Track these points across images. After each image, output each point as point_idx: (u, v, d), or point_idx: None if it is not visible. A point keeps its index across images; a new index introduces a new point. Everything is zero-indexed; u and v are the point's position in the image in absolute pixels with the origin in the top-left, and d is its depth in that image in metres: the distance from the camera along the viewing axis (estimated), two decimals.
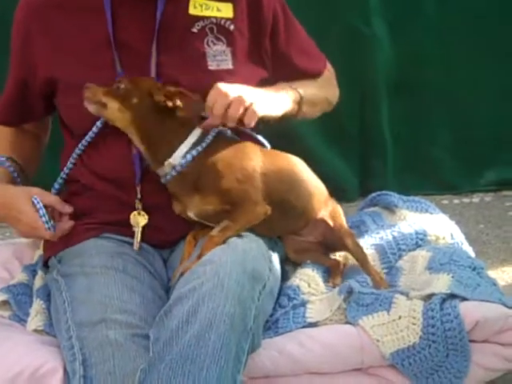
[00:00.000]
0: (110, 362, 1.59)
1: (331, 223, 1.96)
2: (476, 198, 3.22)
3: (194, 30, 1.87)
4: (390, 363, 1.76)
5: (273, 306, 1.83)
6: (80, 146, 1.89)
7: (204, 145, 1.79)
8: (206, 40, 1.88)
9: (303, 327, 1.80)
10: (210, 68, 1.87)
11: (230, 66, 1.88)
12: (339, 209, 2.01)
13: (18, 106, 1.96)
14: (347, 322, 1.81)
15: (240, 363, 1.55)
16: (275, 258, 1.85)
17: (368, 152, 3.46)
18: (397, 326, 1.76)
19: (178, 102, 1.75)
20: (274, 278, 1.79)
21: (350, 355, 1.77)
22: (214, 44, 1.88)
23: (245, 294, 1.60)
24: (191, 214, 1.82)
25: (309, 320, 1.81)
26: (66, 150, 1.97)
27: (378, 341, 1.75)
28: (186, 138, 1.78)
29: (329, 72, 2.13)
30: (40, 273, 1.99)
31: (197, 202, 1.79)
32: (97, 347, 1.62)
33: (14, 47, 1.93)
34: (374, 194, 2.34)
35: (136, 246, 1.85)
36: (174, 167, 1.78)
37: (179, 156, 1.78)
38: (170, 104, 1.75)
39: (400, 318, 1.76)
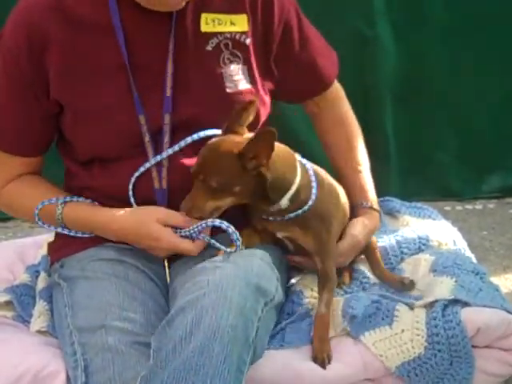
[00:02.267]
0: (110, 368, 1.59)
1: None
2: (479, 205, 3.23)
3: (209, 48, 1.81)
4: (396, 375, 1.76)
5: (277, 317, 1.83)
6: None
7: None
8: (221, 58, 1.81)
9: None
10: (228, 91, 1.81)
11: (248, 86, 1.84)
12: None
13: (29, 132, 1.85)
14: (349, 335, 1.80)
15: (242, 375, 1.55)
16: (283, 275, 1.86)
17: (371, 157, 3.46)
18: (400, 339, 1.75)
19: (265, 161, 1.68)
20: (279, 296, 1.80)
21: (353, 373, 1.76)
22: (231, 61, 1.82)
23: (248, 306, 1.60)
24: (279, 235, 1.82)
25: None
26: (68, 177, 1.92)
27: (381, 356, 1.75)
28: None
29: (340, 94, 2.08)
30: (43, 274, 1.99)
31: (296, 233, 1.80)
32: (97, 353, 1.62)
33: (11, 67, 1.78)
34: None
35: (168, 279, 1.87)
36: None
37: (285, 201, 1.76)
38: (264, 170, 1.68)
39: (403, 331, 1.76)
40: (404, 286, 1.90)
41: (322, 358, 1.73)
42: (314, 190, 1.79)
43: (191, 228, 1.76)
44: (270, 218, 1.79)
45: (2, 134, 1.85)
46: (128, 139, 1.80)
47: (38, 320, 1.86)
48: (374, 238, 2.01)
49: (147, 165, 1.79)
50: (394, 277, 1.93)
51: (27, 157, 1.88)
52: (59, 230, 1.86)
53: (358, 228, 1.91)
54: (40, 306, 1.89)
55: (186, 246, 1.78)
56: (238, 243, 1.75)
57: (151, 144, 1.80)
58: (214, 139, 1.73)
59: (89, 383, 1.59)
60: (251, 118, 1.75)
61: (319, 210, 1.80)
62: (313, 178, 1.80)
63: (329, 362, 1.74)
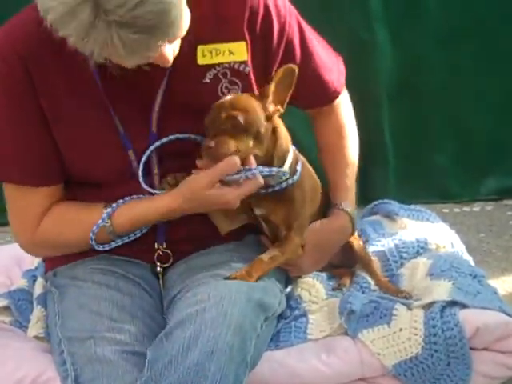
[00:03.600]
0: (99, 379, 1.58)
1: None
2: (477, 207, 3.22)
3: (207, 80, 1.74)
4: (392, 374, 1.76)
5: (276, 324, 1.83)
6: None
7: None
8: (220, 87, 1.75)
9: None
10: None
11: None
12: None
13: (47, 159, 1.75)
14: (346, 333, 1.80)
15: None
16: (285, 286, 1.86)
17: (369, 160, 3.46)
18: (398, 337, 1.75)
19: (283, 103, 1.72)
20: (281, 308, 1.80)
21: (350, 371, 1.77)
22: (229, 90, 1.76)
23: (247, 323, 1.59)
24: (257, 212, 1.81)
25: (309, 337, 1.81)
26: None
27: (378, 354, 1.75)
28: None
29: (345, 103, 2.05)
30: (40, 279, 1.98)
31: (271, 209, 1.79)
32: (87, 363, 1.61)
33: (15, 95, 1.71)
34: (374, 203, 2.34)
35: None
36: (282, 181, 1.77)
37: (286, 166, 1.77)
38: (282, 110, 1.71)
39: (401, 330, 1.76)
40: (402, 297, 1.89)
41: (233, 277, 1.70)
42: (298, 167, 1.80)
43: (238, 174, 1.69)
44: (261, 191, 1.76)
45: (22, 168, 1.75)
46: (116, 171, 1.77)
47: (36, 325, 1.85)
48: (366, 252, 2.01)
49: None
50: (393, 288, 1.93)
51: (53, 185, 1.78)
52: (114, 244, 1.80)
53: (316, 226, 1.88)
54: (37, 311, 1.88)
55: (250, 186, 1.71)
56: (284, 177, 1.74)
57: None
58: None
59: None
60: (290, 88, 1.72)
61: (300, 188, 1.80)
62: (299, 156, 1.83)
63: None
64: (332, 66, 1.93)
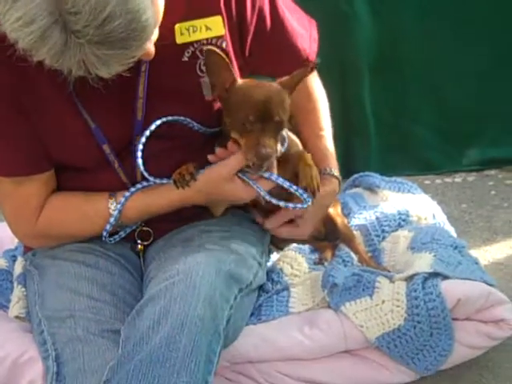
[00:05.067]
0: (80, 358, 1.58)
1: (332, 213, 1.97)
2: (458, 178, 3.22)
3: (185, 58, 1.73)
4: (376, 346, 1.76)
5: (257, 297, 1.83)
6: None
7: None
8: (197, 65, 1.74)
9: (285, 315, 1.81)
10: (207, 99, 1.75)
11: None
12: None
13: (35, 148, 1.73)
14: (329, 307, 1.81)
15: (211, 365, 1.53)
16: (265, 259, 1.85)
17: (350, 133, 3.45)
18: (380, 310, 1.76)
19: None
20: (259, 280, 1.80)
21: (333, 344, 1.77)
22: None
23: (217, 295, 1.58)
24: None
25: (291, 310, 1.81)
26: None
27: (361, 326, 1.75)
28: None
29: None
30: (20, 258, 1.97)
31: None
32: (67, 343, 1.61)
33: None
34: (356, 176, 2.35)
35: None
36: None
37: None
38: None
39: (383, 302, 1.76)
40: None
41: (312, 187, 1.75)
42: (284, 134, 1.80)
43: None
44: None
45: (15, 161, 1.73)
46: (93, 161, 1.76)
47: (17, 305, 1.85)
48: (349, 229, 2.01)
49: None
50: (375, 266, 1.93)
51: (45, 171, 1.76)
52: (124, 234, 1.81)
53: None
54: (18, 291, 1.88)
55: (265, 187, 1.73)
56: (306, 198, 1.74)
57: (118, 161, 1.75)
58: (247, 85, 1.72)
59: (60, 373, 1.58)
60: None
61: (292, 151, 1.81)
62: None
63: (318, 190, 1.76)
64: (305, 33, 1.92)
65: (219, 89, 1.72)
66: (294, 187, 1.74)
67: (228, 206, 1.87)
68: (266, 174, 1.72)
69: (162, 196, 1.75)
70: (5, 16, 1.41)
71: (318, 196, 1.78)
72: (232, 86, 1.71)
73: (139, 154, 1.72)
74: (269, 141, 1.66)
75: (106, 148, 1.73)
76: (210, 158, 1.73)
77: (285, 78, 1.74)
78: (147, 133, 1.71)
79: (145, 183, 1.76)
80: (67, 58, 1.43)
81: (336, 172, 1.91)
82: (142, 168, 1.72)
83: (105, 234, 1.77)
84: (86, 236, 1.81)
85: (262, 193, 1.74)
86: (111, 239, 1.80)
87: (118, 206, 1.74)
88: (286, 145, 1.79)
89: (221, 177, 1.71)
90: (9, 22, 1.41)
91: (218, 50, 1.68)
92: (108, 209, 1.75)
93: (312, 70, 1.75)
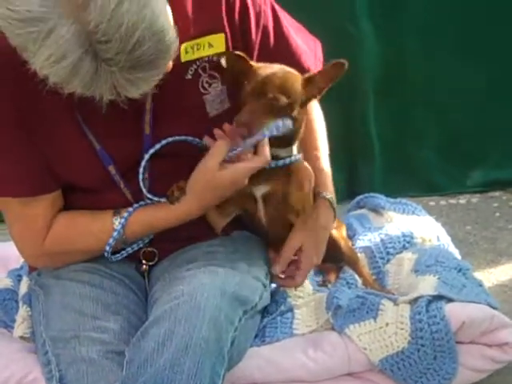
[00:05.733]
0: (83, 379, 1.57)
1: (336, 235, 1.97)
2: (463, 200, 3.23)
3: (189, 76, 1.75)
4: (379, 369, 1.76)
5: (261, 319, 1.83)
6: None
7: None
8: (200, 82, 1.76)
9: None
10: (211, 115, 1.78)
11: (228, 104, 1.80)
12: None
13: (42, 169, 1.73)
14: (333, 329, 1.80)
15: None
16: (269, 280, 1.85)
17: (355, 154, 3.46)
18: (384, 332, 1.75)
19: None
20: (264, 302, 1.80)
21: (337, 366, 1.77)
22: (210, 85, 1.77)
23: (222, 317, 1.59)
24: (259, 192, 1.80)
25: (295, 332, 1.81)
26: None
27: (365, 349, 1.75)
28: None
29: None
30: (25, 278, 1.97)
31: (280, 183, 1.79)
32: (71, 364, 1.61)
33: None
34: (361, 197, 2.35)
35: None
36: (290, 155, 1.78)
37: (295, 148, 1.79)
38: (318, 97, 1.76)
39: (387, 324, 1.76)
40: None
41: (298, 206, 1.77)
42: (295, 151, 1.80)
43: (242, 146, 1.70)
44: (271, 165, 1.75)
45: (22, 182, 1.73)
46: (99, 182, 1.76)
47: (22, 326, 1.85)
48: (353, 252, 2.00)
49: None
50: (380, 289, 1.93)
51: (52, 192, 1.76)
52: (125, 253, 1.81)
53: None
54: (23, 311, 1.88)
55: (257, 162, 1.71)
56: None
57: (124, 181, 1.76)
58: (271, 69, 1.72)
59: None
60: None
61: (302, 167, 1.81)
62: None
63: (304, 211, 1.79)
64: (309, 52, 1.93)
65: (241, 81, 1.73)
66: (280, 122, 1.70)
67: (230, 221, 1.86)
68: (251, 140, 1.69)
69: (165, 209, 1.75)
70: (35, 55, 1.42)
71: (311, 222, 1.81)
72: (249, 70, 1.73)
73: (141, 170, 1.72)
74: (253, 111, 1.66)
75: (111, 169, 1.74)
76: (206, 138, 1.73)
77: (310, 74, 1.75)
78: (151, 151, 1.72)
79: (148, 201, 1.77)
80: (99, 86, 1.45)
81: (329, 194, 1.90)
82: (141, 184, 1.73)
83: (108, 248, 1.76)
84: (92, 253, 1.81)
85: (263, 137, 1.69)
86: (114, 257, 1.80)
87: (122, 220, 1.74)
88: (298, 156, 1.79)
89: (209, 168, 1.69)
90: (40, 60, 1.41)
91: (234, 52, 1.73)
92: (112, 224, 1.75)
93: (340, 71, 1.72)
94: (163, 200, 1.74)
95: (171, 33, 1.48)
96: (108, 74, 1.43)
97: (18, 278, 2.03)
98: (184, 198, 1.72)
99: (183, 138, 1.75)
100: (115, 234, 1.75)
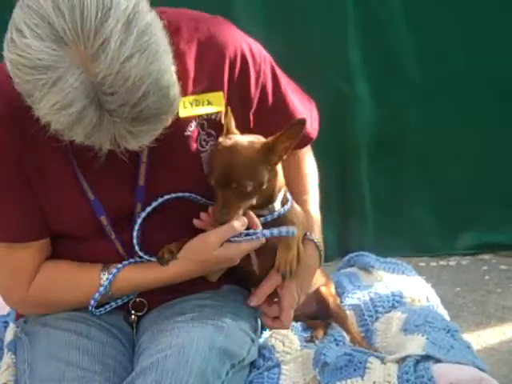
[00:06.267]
0: None
1: (325, 292, 1.98)
2: (453, 261, 3.24)
3: (188, 132, 1.76)
4: None
5: (248, 373, 1.81)
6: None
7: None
8: (199, 140, 1.77)
9: None
10: (206, 172, 1.77)
11: None
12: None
13: (36, 215, 1.74)
14: None
15: None
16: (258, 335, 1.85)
17: (346, 212, 3.48)
18: None
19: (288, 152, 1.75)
20: (252, 356, 1.79)
21: None
22: (207, 143, 1.78)
23: (209, 370, 1.58)
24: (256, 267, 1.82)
25: None
26: None
27: None
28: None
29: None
30: (12, 325, 1.96)
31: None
32: None
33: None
34: (351, 255, 2.35)
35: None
36: (273, 211, 1.79)
37: (278, 202, 1.79)
38: (284, 157, 1.74)
39: (374, 383, 1.75)
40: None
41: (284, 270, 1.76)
42: (289, 197, 1.82)
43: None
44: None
45: (12, 227, 1.73)
46: (90, 232, 1.77)
47: (6, 373, 1.83)
48: (342, 309, 2.00)
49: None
50: (368, 347, 1.92)
51: (41, 239, 1.76)
52: (109, 307, 1.80)
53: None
54: (7, 358, 1.86)
55: (252, 244, 1.74)
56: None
57: (114, 231, 1.76)
58: (223, 144, 1.72)
59: None
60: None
61: (292, 217, 1.81)
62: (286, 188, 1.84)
63: (291, 274, 1.76)
64: (305, 111, 1.95)
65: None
66: (284, 230, 1.75)
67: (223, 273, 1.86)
68: (252, 237, 1.73)
69: (154, 270, 1.76)
70: (41, 101, 1.43)
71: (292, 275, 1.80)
72: (216, 144, 1.74)
73: (136, 227, 1.73)
74: (224, 209, 1.68)
75: (103, 220, 1.74)
76: (196, 222, 1.74)
77: (271, 138, 1.73)
78: (149, 209, 1.73)
79: (138, 259, 1.77)
80: (100, 136, 1.46)
81: (316, 238, 1.91)
82: (135, 241, 1.74)
83: (92, 302, 1.76)
84: (77, 305, 1.80)
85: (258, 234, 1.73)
86: (97, 311, 1.79)
87: (110, 276, 1.74)
88: (286, 207, 1.80)
89: (211, 246, 1.71)
90: (45, 106, 1.43)
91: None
92: (100, 279, 1.75)
93: (301, 128, 1.70)
94: (154, 259, 1.75)
95: (176, 89, 1.50)
96: (111, 124, 1.44)
97: (5, 325, 2.01)
98: (175, 261, 1.73)
99: (187, 194, 1.76)
100: (102, 289, 1.75)
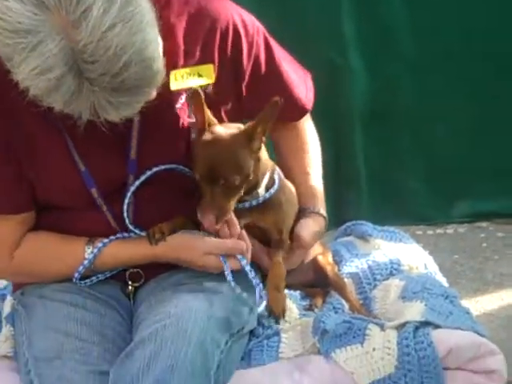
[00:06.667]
0: None
1: (322, 261, 1.97)
2: (450, 229, 3.25)
3: (178, 105, 1.75)
4: None
5: (248, 341, 1.82)
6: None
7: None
8: (188, 111, 1.77)
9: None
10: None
11: None
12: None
13: (21, 189, 1.73)
14: (319, 353, 1.79)
15: None
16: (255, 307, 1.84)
17: (342, 183, 3.48)
18: (371, 357, 1.74)
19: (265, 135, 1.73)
20: (251, 325, 1.79)
21: None
22: None
23: (208, 340, 1.59)
24: (242, 221, 1.80)
25: (281, 355, 1.80)
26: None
27: (352, 373, 1.74)
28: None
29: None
30: (9, 297, 1.96)
31: (257, 217, 1.80)
32: (54, 383, 1.60)
33: None
34: (348, 224, 2.34)
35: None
36: (258, 197, 1.78)
37: (263, 187, 1.78)
38: (264, 140, 1.73)
39: (374, 349, 1.75)
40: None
41: (277, 312, 1.74)
42: (276, 178, 1.81)
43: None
44: (239, 206, 1.76)
45: None
46: (81, 203, 1.76)
47: (4, 345, 1.83)
48: (340, 277, 2.00)
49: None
50: (367, 314, 1.92)
51: (24, 212, 1.76)
52: (96, 279, 1.80)
53: (305, 230, 1.87)
54: (6, 330, 1.86)
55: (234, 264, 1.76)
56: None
57: (106, 203, 1.76)
58: (205, 139, 1.70)
59: None
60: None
61: (279, 198, 1.81)
62: (276, 169, 1.84)
63: (283, 316, 1.76)
64: (300, 82, 1.94)
65: (196, 131, 1.74)
66: (254, 280, 1.76)
67: None
68: (239, 256, 1.75)
69: (137, 248, 1.76)
70: (20, 65, 1.42)
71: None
72: (199, 135, 1.72)
73: (126, 200, 1.73)
74: (214, 203, 1.67)
75: (94, 192, 1.74)
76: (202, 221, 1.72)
77: (249, 124, 1.71)
78: (137, 183, 1.73)
79: (125, 234, 1.77)
80: (79, 104, 1.45)
81: (322, 210, 1.91)
82: (125, 214, 1.73)
83: (76, 275, 1.76)
84: (61, 277, 1.80)
85: (228, 275, 1.74)
86: (82, 282, 1.79)
87: (95, 250, 1.74)
88: (272, 190, 1.79)
89: (195, 250, 1.73)
90: (24, 71, 1.41)
91: (200, 92, 1.70)
92: (84, 252, 1.75)
93: (275, 109, 1.67)
94: (143, 234, 1.74)
95: (159, 62, 1.49)
96: (90, 93, 1.43)
97: (2, 297, 2.02)
98: (164, 243, 1.73)
99: (174, 166, 1.75)
100: (86, 262, 1.75)
